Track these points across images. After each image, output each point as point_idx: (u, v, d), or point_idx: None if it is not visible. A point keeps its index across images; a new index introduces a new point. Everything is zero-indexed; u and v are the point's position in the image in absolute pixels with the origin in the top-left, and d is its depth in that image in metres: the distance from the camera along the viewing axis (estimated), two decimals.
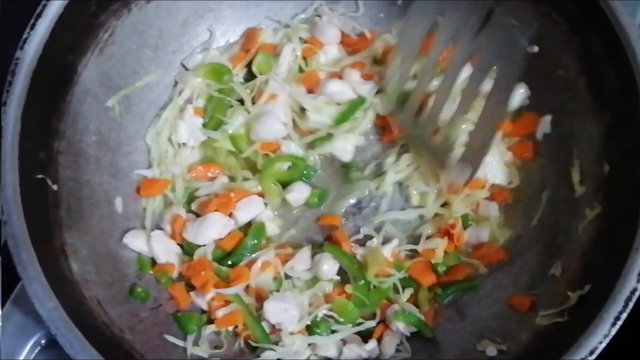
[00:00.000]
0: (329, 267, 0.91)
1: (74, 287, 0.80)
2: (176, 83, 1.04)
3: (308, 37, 1.05)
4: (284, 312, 0.87)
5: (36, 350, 0.80)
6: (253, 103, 1.00)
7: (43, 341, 0.80)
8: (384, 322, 0.91)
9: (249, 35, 1.06)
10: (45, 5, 0.83)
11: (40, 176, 0.83)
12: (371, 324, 0.90)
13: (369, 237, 0.95)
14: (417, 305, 0.92)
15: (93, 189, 0.92)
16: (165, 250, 0.94)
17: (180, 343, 0.87)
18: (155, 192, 0.98)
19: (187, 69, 1.05)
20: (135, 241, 0.93)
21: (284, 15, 1.08)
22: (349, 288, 0.90)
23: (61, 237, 0.83)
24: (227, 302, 0.89)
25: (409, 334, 0.90)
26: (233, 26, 1.07)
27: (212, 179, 0.99)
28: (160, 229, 0.96)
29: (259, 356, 0.88)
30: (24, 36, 0.82)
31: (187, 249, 0.94)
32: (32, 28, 0.82)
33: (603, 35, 0.85)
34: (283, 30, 1.07)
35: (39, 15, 0.83)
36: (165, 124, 1.01)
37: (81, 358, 0.71)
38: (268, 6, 1.08)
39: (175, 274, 0.93)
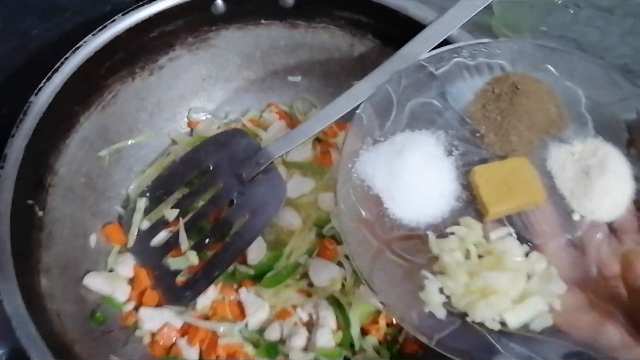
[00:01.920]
0: None
1: (40, 298, 0.85)
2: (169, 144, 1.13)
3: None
4: None
5: None
6: None
7: (4, 358, 0.82)
8: None
9: None
10: (63, 63, 0.92)
11: (30, 202, 0.89)
12: None
13: None
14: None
15: (74, 222, 0.98)
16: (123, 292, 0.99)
17: None
18: (116, 239, 1.03)
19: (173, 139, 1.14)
20: (94, 282, 0.97)
21: (266, 102, 1.18)
22: None
23: (38, 255, 0.89)
24: None
25: None
26: (222, 105, 1.18)
27: None
28: None
29: None
30: (40, 85, 0.91)
31: None
32: (48, 79, 0.91)
33: None
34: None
35: (56, 70, 0.92)
36: (148, 179, 1.07)
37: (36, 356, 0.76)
38: (255, 95, 1.18)
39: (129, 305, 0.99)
